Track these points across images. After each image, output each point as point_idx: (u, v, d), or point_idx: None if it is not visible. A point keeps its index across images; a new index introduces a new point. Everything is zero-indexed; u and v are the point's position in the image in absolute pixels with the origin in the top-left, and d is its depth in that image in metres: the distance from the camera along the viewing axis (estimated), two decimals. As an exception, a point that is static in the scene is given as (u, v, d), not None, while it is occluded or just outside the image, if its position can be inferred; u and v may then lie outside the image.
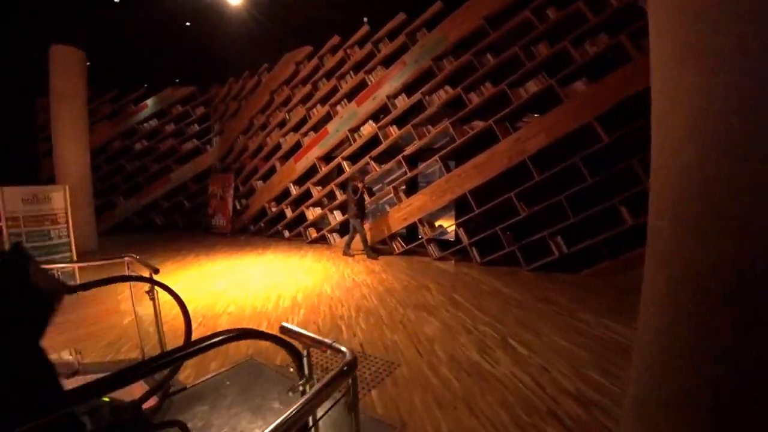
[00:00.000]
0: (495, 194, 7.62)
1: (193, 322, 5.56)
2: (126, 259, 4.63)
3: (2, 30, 9.60)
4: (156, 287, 3.87)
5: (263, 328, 5.24)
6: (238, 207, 13.40)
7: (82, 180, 11.12)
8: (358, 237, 9.11)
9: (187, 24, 9.57)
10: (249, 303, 6.13)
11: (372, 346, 4.39)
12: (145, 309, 4.44)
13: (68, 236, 6.05)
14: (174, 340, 4.78)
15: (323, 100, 10.77)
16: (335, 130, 10.24)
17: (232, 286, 7.10)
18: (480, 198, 7.88)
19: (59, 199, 5.93)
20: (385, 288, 6.62)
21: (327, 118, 10.52)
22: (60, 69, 10.63)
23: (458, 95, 8.05)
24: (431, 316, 5.24)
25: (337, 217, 10.36)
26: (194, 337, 4.85)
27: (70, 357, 4.22)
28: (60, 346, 3.70)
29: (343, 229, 10.53)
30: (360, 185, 8.72)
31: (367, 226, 9.60)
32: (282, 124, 11.88)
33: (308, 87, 11.06)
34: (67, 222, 5.99)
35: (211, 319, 5.55)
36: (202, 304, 6.30)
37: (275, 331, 2.02)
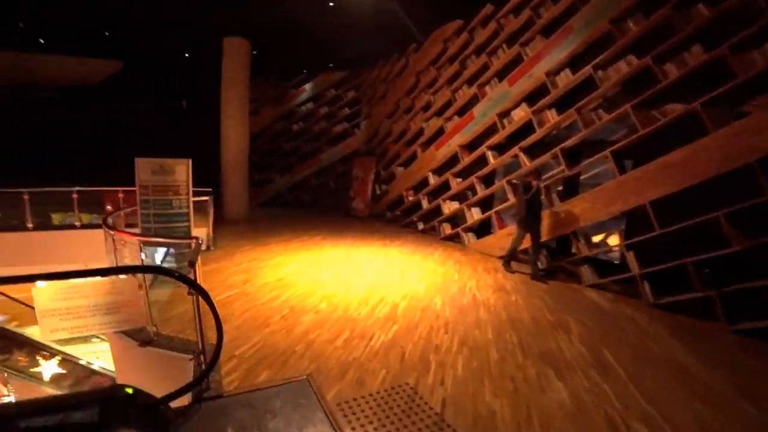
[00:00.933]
0: (690, 211, 5.25)
1: (275, 315, 5.11)
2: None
3: (182, 26, 10.71)
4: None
5: (341, 339, 4.33)
6: (378, 192, 12.96)
7: (241, 156, 11.97)
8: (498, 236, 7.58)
9: (331, 3, 9.17)
10: (343, 303, 5.31)
11: (456, 410, 3.05)
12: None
13: (187, 207, 6.14)
14: (243, 333, 4.20)
15: (471, 80, 9.32)
16: (481, 115, 8.73)
17: (338, 279, 6.43)
18: (666, 213, 5.54)
19: (182, 171, 6.02)
20: (510, 317, 5.06)
21: (473, 101, 9.06)
22: (230, 58, 11.53)
23: (646, 67, 5.76)
24: (559, 380, 3.59)
25: (475, 214, 8.93)
26: (261, 340, 4.37)
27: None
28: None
29: (481, 229, 9.08)
30: (535, 182, 6.70)
31: (505, 230, 7.96)
32: (426, 107, 10.82)
33: (455, 66, 9.73)
34: (187, 194, 6.06)
35: (295, 316, 4.88)
36: (298, 293, 5.75)
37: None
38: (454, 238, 9.69)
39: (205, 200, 8.82)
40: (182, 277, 3.17)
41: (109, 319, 2.94)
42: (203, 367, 3.24)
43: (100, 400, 2.68)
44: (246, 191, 12.30)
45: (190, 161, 6.00)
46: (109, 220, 5.12)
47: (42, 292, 2.84)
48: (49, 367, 7.63)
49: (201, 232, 9.36)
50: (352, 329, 4.49)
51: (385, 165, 12.66)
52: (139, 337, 4.61)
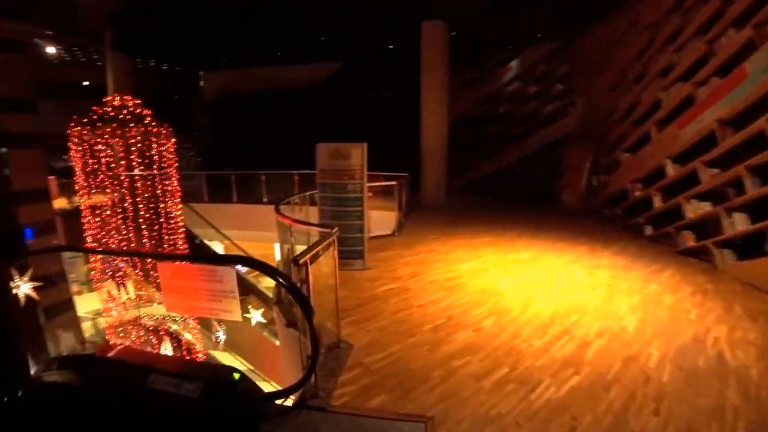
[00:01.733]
0: None
1: (427, 324, 4.33)
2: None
3: (384, 17, 10.71)
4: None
5: (493, 378, 3.16)
6: (594, 183, 10.60)
7: (439, 142, 11.51)
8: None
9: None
10: (514, 325, 4.13)
11: None
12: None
13: (361, 192, 5.86)
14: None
15: (739, 21, 6.26)
16: (760, 70, 5.75)
17: (518, 289, 5.22)
18: None
19: (357, 156, 5.75)
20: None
21: (746, 50, 6.07)
22: (428, 43, 11.06)
23: None
24: None
25: (739, 223, 6.00)
26: (399, 351, 3.63)
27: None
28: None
29: (747, 246, 6.14)
30: None
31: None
32: (665, 71, 7.98)
33: (713, 4, 6.76)
34: (361, 179, 5.78)
35: (449, 329, 4.04)
36: (464, 300, 4.84)
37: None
38: (699, 254, 6.84)
39: (393, 185, 8.65)
40: (282, 277, 2.69)
41: (213, 306, 2.71)
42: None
43: (206, 378, 2.53)
44: (444, 178, 11.84)
45: (366, 145, 5.69)
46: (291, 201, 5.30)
47: (164, 268, 2.81)
48: (255, 316, 8.87)
49: (388, 217, 9.36)
50: (512, 366, 3.32)
51: (605, 150, 10.18)
52: (288, 315, 4.58)
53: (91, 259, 7.80)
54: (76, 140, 6.67)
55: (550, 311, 4.48)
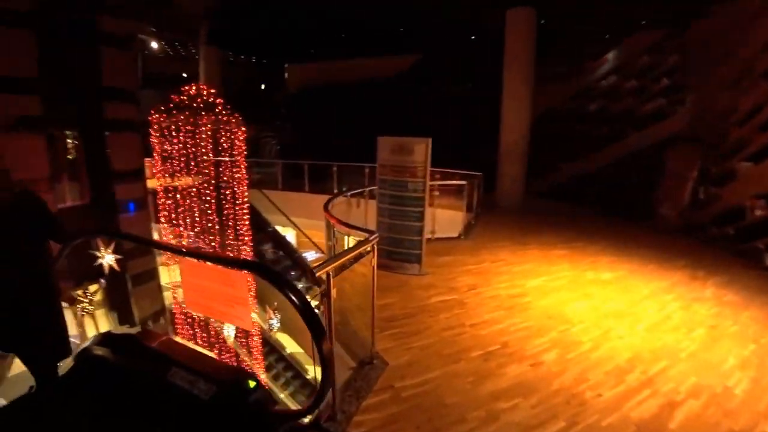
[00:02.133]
0: None
1: (475, 350, 4.46)
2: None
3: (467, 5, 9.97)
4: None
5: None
6: (701, 196, 9.07)
7: (520, 140, 10.60)
8: None
9: None
10: (582, 364, 3.45)
11: None
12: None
13: (423, 191, 5.37)
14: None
15: None
16: None
17: (594, 319, 4.43)
18: None
19: (420, 152, 5.26)
20: None
21: None
22: (513, 32, 10.17)
23: None
24: None
25: None
26: (436, 380, 3.20)
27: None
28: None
29: None
30: None
31: None
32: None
33: None
34: (424, 177, 5.30)
35: (500, 360, 3.42)
36: (525, 325, 4.22)
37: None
38: None
39: (463, 184, 8.06)
40: (291, 290, 2.32)
41: (226, 311, 2.47)
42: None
43: (222, 381, 2.39)
44: (522, 179, 10.91)
45: (430, 141, 5.21)
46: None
47: (186, 264, 2.63)
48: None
49: (456, 217, 8.78)
50: (571, 421, 2.71)
51: (717, 157, 8.62)
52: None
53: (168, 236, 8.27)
54: (155, 126, 7.04)
55: (630, 352, 3.69)
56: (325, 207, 4.64)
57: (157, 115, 6.85)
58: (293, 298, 2.34)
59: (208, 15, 13.55)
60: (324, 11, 12.05)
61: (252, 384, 2.57)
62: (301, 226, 13.52)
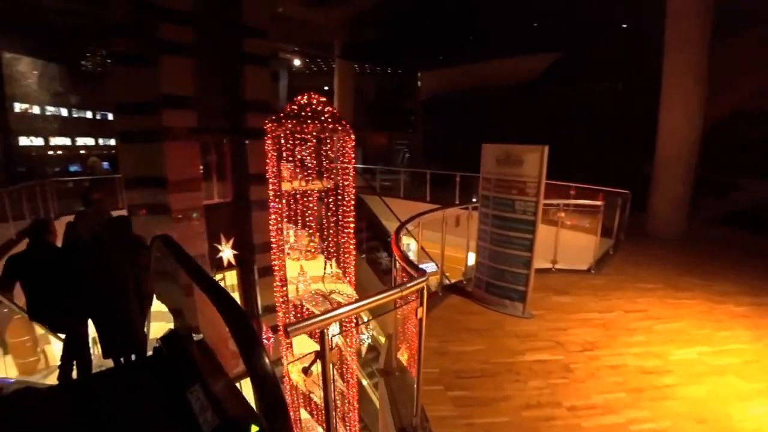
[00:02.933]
0: None
1: None
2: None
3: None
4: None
5: None
6: None
7: (684, 147, 8.20)
8: None
9: None
10: None
11: None
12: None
13: (534, 214, 4.14)
14: None
15: None
16: None
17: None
18: None
19: (532, 163, 4.03)
20: None
21: None
22: (677, 12, 7.81)
23: None
24: None
25: None
26: None
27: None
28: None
29: None
30: None
31: None
32: None
33: None
34: (536, 196, 4.06)
35: None
36: (659, 427, 2.78)
37: None
38: None
39: (598, 205, 6.39)
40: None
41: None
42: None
43: (226, 420, 2.27)
44: (686, 199, 8.43)
45: (546, 150, 4.00)
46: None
47: None
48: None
49: (587, 243, 7.04)
50: None
51: None
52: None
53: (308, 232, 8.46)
54: (269, 134, 7.16)
55: None
56: (397, 233, 3.83)
57: (270, 125, 6.94)
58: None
59: (340, 30, 13.99)
60: (452, 12, 11.29)
61: (255, 429, 2.19)
62: (417, 236, 12.94)
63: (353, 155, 7.61)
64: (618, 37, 11.12)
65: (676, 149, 8.29)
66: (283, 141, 7.07)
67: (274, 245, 7.66)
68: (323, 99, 7.29)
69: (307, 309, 8.81)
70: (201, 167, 9.76)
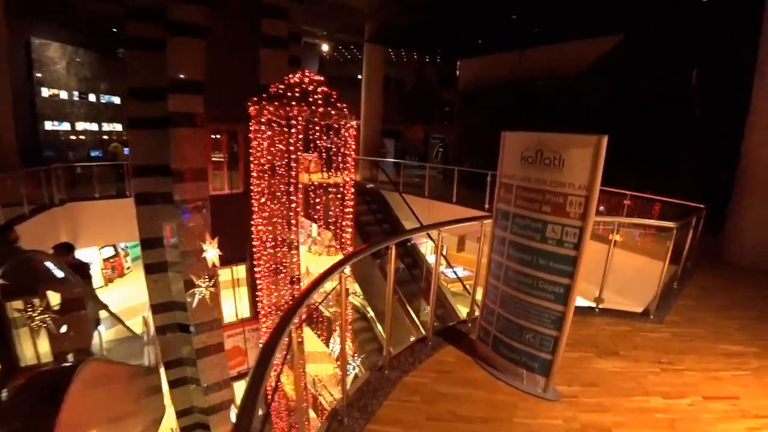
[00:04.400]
0: None
1: None
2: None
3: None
4: None
5: None
6: None
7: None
8: None
9: None
10: None
11: None
12: None
13: (577, 247, 2.47)
14: None
15: None
16: None
17: None
18: None
19: (580, 164, 2.32)
20: None
21: None
22: None
23: None
24: None
25: None
26: None
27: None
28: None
29: None
30: None
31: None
32: None
33: None
34: (583, 217, 2.40)
35: None
36: None
37: None
38: None
39: (671, 228, 4.50)
40: None
41: None
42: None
43: None
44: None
45: (605, 140, 2.30)
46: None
47: None
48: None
49: (643, 270, 5.20)
50: None
51: None
52: None
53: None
54: (253, 119, 5.85)
55: None
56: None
57: (252, 108, 5.61)
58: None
59: (372, 11, 12.38)
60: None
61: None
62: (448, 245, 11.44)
63: (353, 145, 6.17)
64: (695, 14, 8.68)
65: (768, 155, 6.14)
66: (275, 126, 5.79)
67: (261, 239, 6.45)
68: (319, 78, 5.87)
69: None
70: (212, 156, 8.75)
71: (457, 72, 17.90)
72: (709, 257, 6.59)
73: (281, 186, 5.80)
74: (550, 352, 2.74)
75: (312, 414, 7.08)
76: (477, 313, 3.75)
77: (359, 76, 18.30)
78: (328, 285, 2.31)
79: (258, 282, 7.03)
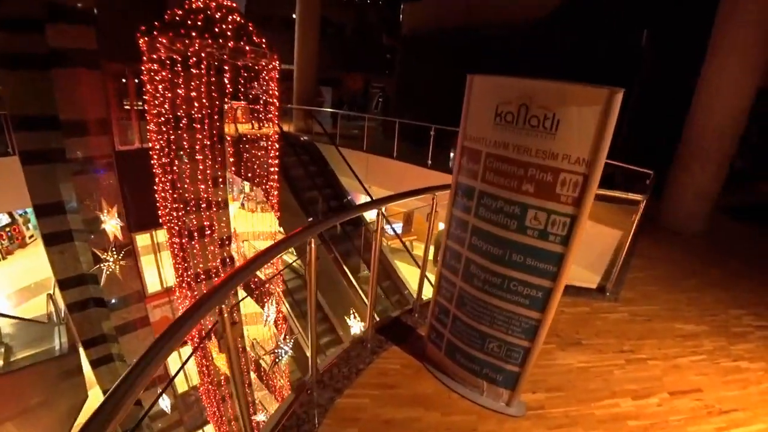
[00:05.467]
0: None
1: None
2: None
3: None
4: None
5: None
6: None
7: (727, 124, 5.98)
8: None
9: None
10: None
11: None
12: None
13: (566, 240, 1.89)
14: None
15: None
16: None
17: None
18: None
19: (581, 126, 1.74)
20: None
21: None
22: None
23: None
24: None
25: None
26: None
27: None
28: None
29: None
30: None
31: None
32: None
33: None
34: (579, 202, 1.82)
35: None
36: None
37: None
38: None
39: (637, 200, 4.10)
40: None
41: None
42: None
43: None
44: (717, 187, 6.37)
45: (619, 96, 1.66)
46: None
47: None
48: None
49: (600, 238, 4.99)
50: None
51: None
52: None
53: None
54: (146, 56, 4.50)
55: None
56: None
57: (142, 40, 4.26)
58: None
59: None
60: None
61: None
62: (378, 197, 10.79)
63: (275, 89, 5.07)
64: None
65: (715, 126, 6.04)
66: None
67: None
68: (229, 3, 4.57)
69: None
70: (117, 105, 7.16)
71: (401, 16, 16.50)
72: (648, 222, 6.63)
73: (203, 141, 4.66)
74: (518, 364, 2.20)
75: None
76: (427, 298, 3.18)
77: (294, 16, 16.28)
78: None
79: (174, 249, 5.97)
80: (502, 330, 2.16)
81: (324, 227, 2.06)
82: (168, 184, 4.99)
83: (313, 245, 1.90)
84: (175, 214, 4.98)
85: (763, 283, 4.84)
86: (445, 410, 2.29)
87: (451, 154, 10.08)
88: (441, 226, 2.53)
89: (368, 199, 11.37)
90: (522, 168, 1.86)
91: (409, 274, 9.05)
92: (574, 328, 3.28)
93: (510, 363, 2.21)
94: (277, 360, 4.97)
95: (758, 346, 3.48)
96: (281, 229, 9.94)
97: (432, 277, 2.82)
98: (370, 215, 7.54)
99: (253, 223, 6.51)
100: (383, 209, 2.56)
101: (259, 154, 5.04)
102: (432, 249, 3.37)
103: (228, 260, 5.73)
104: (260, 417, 6.53)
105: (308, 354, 2.26)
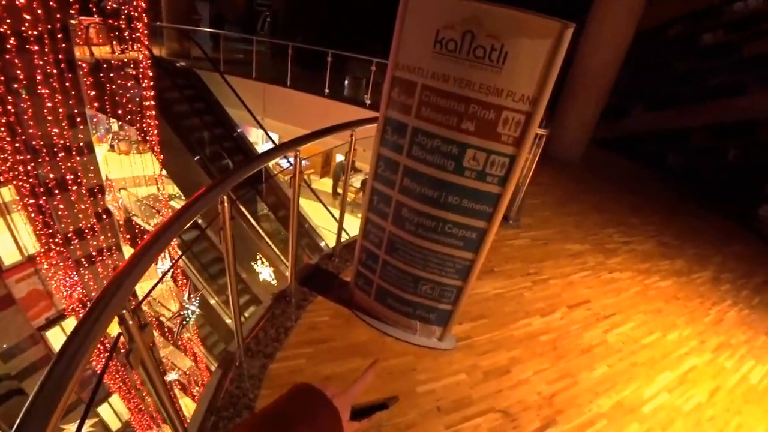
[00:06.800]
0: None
1: None
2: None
3: None
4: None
5: None
6: None
7: (609, 64, 6.61)
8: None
9: None
10: None
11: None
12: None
13: (504, 181, 1.86)
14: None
15: None
16: None
17: None
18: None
19: (530, 61, 1.62)
20: None
21: None
22: None
23: None
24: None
25: None
26: None
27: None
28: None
29: None
30: None
31: None
32: None
33: None
34: (519, 142, 1.75)
35: None
36: None
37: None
38: None
39: (542, 135, 4.32)
40: None
41: None
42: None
43: None
44: (593, 122, 7.17)
45: (570, 32, 1.53)
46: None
47: None
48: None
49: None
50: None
51: None
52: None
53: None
54: None
55: None
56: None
57: None
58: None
59: None
60: None
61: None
62: (275, 130, 9.99)
63: (143, 4, 4.05)
64: None
65: (598, 65, 6.61)
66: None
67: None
68: None
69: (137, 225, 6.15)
70: None
71: None
72: (547, 154, 7.26)
73: (45, 68, 3.51)
74: (451, 303, 2.25)
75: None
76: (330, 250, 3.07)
77: None
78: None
79: (29, 211, 4.81)
80: (435, 272, 2.15)
81: (236, 181, 1.70)
82: (4, 128, 3.80)
83: (225, 204, 1.57)
84: (21, 167, 3.90)
85: (626, 206, 5.77)
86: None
87: (346, 82, 9.62)
88: (339, 157, 2.34)
89: (261, 132, 10.48)
90: (463, 104, 1.72)
91: (311, 210, 8.72)
92: (486, 257, 3.52)
93: (443, 303, 2.25)
94: (184, 322, 4.56)
95: (625, 258, 4.16)
96: (164, 172, 8.69)
97: (336, 213, 2.65)
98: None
99: (130, 168, 5.52)
100: (299, 150, 2.26)
101: (128, 84, 4.10)
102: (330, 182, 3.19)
103: (104, 215, 4.84)
104: (172, 376, 6.11)
105: (221, 313, 2.01)
